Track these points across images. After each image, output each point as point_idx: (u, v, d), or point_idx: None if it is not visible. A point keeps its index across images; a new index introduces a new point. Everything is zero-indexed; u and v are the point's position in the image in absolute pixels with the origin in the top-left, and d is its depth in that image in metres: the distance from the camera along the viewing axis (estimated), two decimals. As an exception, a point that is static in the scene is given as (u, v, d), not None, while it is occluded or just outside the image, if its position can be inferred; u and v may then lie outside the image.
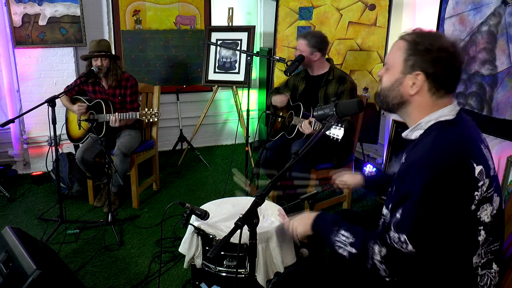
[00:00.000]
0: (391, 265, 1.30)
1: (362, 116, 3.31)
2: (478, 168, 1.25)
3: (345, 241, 1.41)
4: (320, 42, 3.07)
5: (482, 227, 1.29)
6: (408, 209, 1.26)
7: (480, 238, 1.30)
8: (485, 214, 1.29)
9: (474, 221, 1.28)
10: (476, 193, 1.25)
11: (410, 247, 1.25)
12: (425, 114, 1.37)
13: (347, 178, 1.92)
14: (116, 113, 3.21)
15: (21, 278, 1.80)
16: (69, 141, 3.63)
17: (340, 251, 1.42)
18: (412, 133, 1.40)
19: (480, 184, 1.25)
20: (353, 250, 1.38)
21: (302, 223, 1.60)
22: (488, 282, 1.35)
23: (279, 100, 3.24)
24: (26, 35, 3.98)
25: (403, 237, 1.26)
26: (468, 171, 1.24)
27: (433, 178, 1.22)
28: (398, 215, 1.29)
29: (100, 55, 3.25)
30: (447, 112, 1.35)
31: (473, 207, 1.25)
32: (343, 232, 1.43)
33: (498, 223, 1.35)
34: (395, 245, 1.28)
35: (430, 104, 1.36)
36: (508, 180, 2.57)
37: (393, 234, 1.29)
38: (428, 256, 1.29)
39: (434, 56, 1.31)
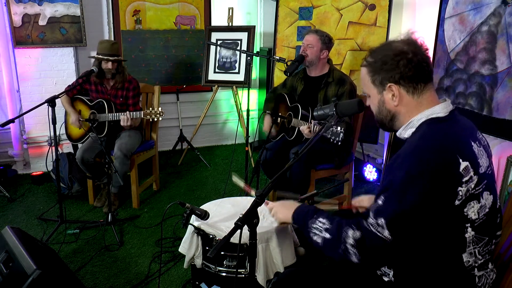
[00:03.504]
0: (363, 249, 1.31)
1: (362, 116, 3.31)
2: (463, 164, 1.25)
3: (321, 227, 1.42)
4: (329, 41, 3.11)
5: (469, 224, 1.29)
6: (389, 195, 1.27)
7: (467, 235, 1.30)
8: (472, 212, 1.29)
9: (460, 217, 1.28)
10: (459, 188, 1.25)
11: (386, 232, 1.26)
12: (415, 115, 1.40)
13: (366, 203, 1.87)
14: (127, 112, 3.21)
15: (21, 278, 1.80)
16: (69, 141, 3.62)
17: (315, 238, 1.43)
18: (405, 132, 1.42)
19: (464, 179, 1.25)
20: (327, 235, 1.40)
21: (284, 210, 1.64)
22: (485, 282, 1.36)
23: (266, 125, 3.24)
24: (26, 35, 3.98)
25: (381, 220, 1.27)
26: (452, 166, 1.24)
27: (416, 169, 1.23)
28: (380, 202, 1.30)
29: (113, 59, 3.26)
30: (439, 109, 1.36)
31: (457, 202, 1.25)
32: (320, 219, 1.45)
33: (492, 222, 1.36)
34: (372, 227, 1.29)
35: (416, 103, 1.39)
36: (508, 180, 2.57)
37: (371, 219, 1.30)
38: (404, 245, 1.30)
39: (393, 64, 1.36)
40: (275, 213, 1.69)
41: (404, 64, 1.35)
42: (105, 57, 3.25)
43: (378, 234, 1.27)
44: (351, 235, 1.32)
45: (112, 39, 4.46)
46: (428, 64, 1.37)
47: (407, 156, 1.27)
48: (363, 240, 1.30)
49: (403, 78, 1.36)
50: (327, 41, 3.08)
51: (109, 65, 3.27)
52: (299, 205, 1.61)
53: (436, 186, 1.23)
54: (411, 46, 1.36)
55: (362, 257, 1.31)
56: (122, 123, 3.22)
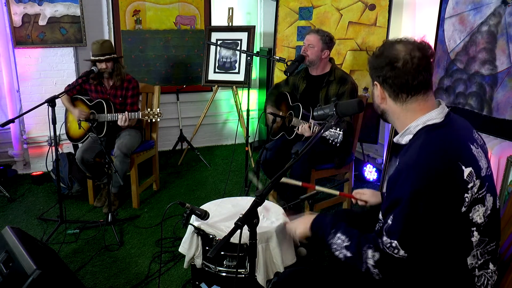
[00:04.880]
0: (384, 270, 1.32)
1: (362, 116, 3.31)
2: (467, 170, 1.25)
3: (340, 244, 1.43)
4: (330, 40, 3.10)
5: (475, 228, 1.30)
6: (398, 214, 1.27)
7: (474, 239, 1.30)
8: (478, 215, 1.29)
9: (466, 222, 1.28)
10: (466, 195, 1.25)
11: (401, 252, 1.27)
12: (404, 120, 1.40)
13: (367, 196, 1.89)
14: (126, 112, 3.21)
15: (21, 278, 1.80)
16: (69, 141, 3.62)
17: (337, 253, 1.44)
18: (403, 138, 1.42)
19: (469, 186, 1.25)
20: (348, 254, 1.40)
21: (302, 225, 1.64)
22: (485, 282, 1.35)
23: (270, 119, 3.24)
24: (26, 35, 3.98)
25: (394, 242, 1.27)
26: (457, 174, 1.25)
27: (421, 183, 1.23)
28: (389, 221, 1.30)
29: (104, 59, 3.25)
30: (435, 115, 1.36)
31: (463, 209, 1.26)
32: (339, 235, 1.45)
33: (493, 223, 1.35)
34: (387, 250, 1.29)
35: (400, 110, 1.40)
36: (508, 180, 2.57)
37: (385, 239, 1.30)
38: (421, 259, 1.30)
39: (381, 65, 1.38)
40: (295, 230, 1.69)
41: (388, 70, 1.35)
42: (97, 58, 3.25)
43: (394, 255, 1.28)
44: (371, 256, 1.33)
45: (112, 39, 4.46)
46: (414, 78, 1.33)
47: (411, 171, 1.26)
48: (383, 261, 1.31)
49: (386, 82, 1.38)
50: (328, 41, 3.07)
51: (103, 65, 3.27)
52: (314, 217, 1.61)
53: (443, 197, 1.23)
54: (409, 55, 1.33)
55: (384, 276, 1.33)
56: (119, 123, 3.22)
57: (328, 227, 1.50)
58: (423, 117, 1.36)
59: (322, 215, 1.61)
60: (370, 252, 1.34)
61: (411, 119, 1.38)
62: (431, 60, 1.35)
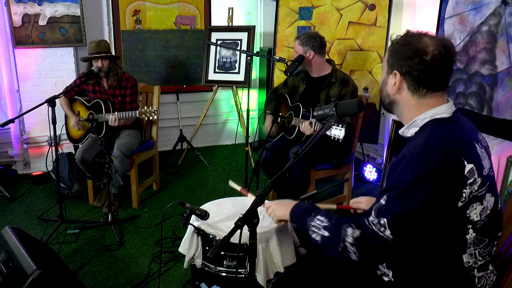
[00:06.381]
0: (362, 248, 1.30)
1: (362, 116, 3.31)
2: (468, 166, 1.25)
3: (319, 225, 1.42)
4: (310, 40, 3.04)
5: (470, 226, 1.29)
6: (393, 196, 1.26)
7: (468, 237, 1.30)
8: (475, 213, 1.29)
9: (462, 219, 1.28)
10: (464, 190, 1.24)
11: (388, 232, 1.26)
12: (415, 113, 1.38)
13: (365, 204, 1.86)
14: (116, 112, 3.21)
15: (21, 278, 1.80)
16: (69, 141, 3.63)
17: (314, 235, 1.43)
18: (408, 131, 1.41)
19: (469, 182, 1.25)
20: (326, 233, 1.39)
21: (281, 208, 1.64)
22: (485, 283, 1.35)
23: (267, 125, 3.24)
24: (26, 35, 3.98)
25: (383, 220, 1.26)
26: (458, 168, 1.24)
27: (422, 171, 1.22)
28: (382, 201, 1.29)
29: (100, 56, 3.25)
30: (443, 110, 1.35)
31: (460, 204, 1.25)
32: (319, 217, 1.44)
33: (493, 223, 1.35)
34: (373, 226, 1.28)
35: (415, 103, 1.38)
36: (508, 180, 2.57)
37: (372, 218, 1.29)
38: (404, 245, 1.29)
39: (408, 55, 1.33)
40: (272, 211, 1.68)
41: (416, 62, 1.32)
42: (93, 56, 3.25)
43: (379, 233, 1.27)
44: (350, 233, 1.32)
45: (112, 39, 4.47)
46: (438, 74, 1.32)
47: (413, 158, 1.26)
48: (363, 238, 1.30)
49: (409, 74, 1.34)
50: (306, 42, 3.04)
51: (99, 63, 3.27)
52: (297, 202, 1.61)
53: (441, 189, 1.23)
54: (437, 50, 1.31)
55: (361, 255, 1.31)
56: (110, 123, 3.22)
57: (309, 211, 1.49)
58: (430, 110, 1.35)
59: (303, 202, 1.61)
60: (349, 230, 1.32)
61: (421, 113, 1.37)
62: (454, 59, 1.34)
